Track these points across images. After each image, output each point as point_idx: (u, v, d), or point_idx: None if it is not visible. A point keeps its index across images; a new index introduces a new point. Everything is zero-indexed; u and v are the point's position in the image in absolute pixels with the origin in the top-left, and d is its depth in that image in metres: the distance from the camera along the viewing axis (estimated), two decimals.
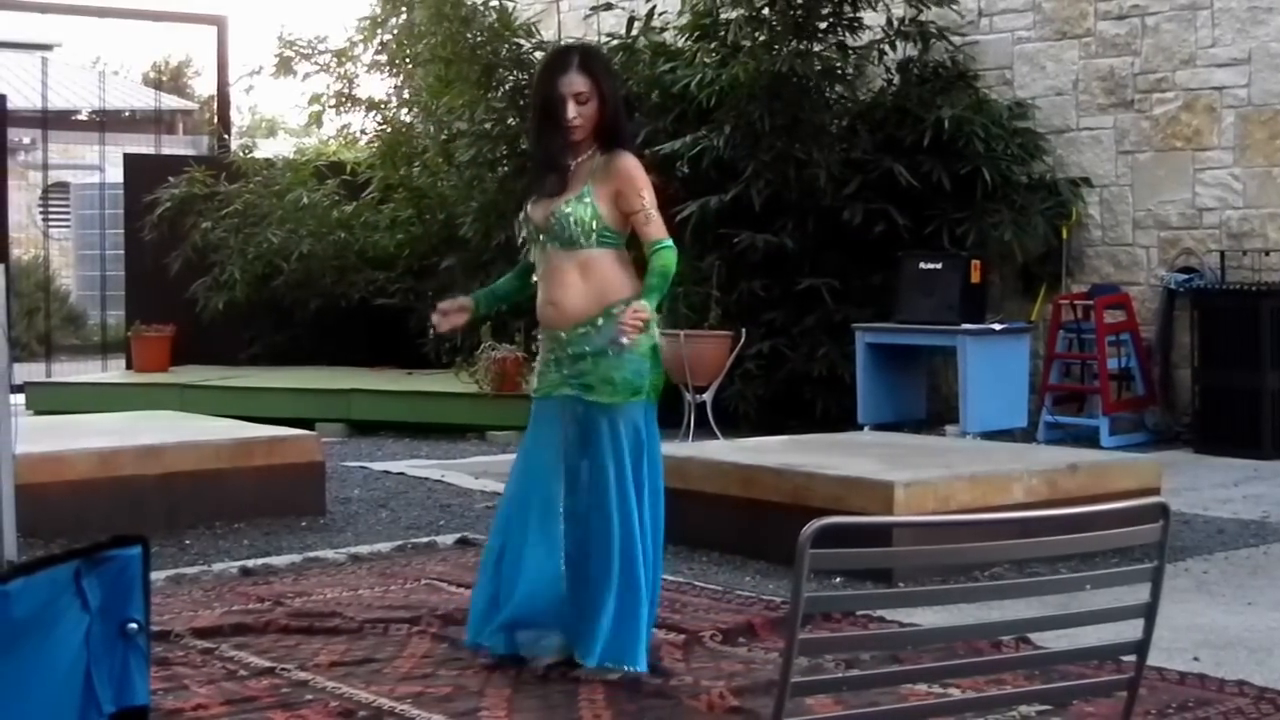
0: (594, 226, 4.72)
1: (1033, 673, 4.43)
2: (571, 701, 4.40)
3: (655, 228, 4.74)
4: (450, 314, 5.04)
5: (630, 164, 4.76)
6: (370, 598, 5.73)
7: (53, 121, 18.95)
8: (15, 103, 17.55)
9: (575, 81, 4.73)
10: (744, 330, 10.38)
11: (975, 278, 10.49)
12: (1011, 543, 4.23)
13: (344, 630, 5.18)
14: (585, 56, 4.84)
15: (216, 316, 13.33)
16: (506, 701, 4.39)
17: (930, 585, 5.54)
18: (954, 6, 11.33)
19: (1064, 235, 10.96)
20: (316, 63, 14.34)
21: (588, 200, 4.72)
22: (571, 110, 4.72)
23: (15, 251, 17.87)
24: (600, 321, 4.71)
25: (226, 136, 15.36)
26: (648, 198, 4.73)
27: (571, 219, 4.71)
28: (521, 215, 4.92)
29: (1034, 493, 6.51)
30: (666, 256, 4.68)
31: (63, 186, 22.46)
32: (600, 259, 4.75)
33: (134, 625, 2.97)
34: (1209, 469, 9.22)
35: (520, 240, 4.99)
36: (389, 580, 6.06)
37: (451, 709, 4.31)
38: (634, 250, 4.85)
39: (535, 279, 4.88)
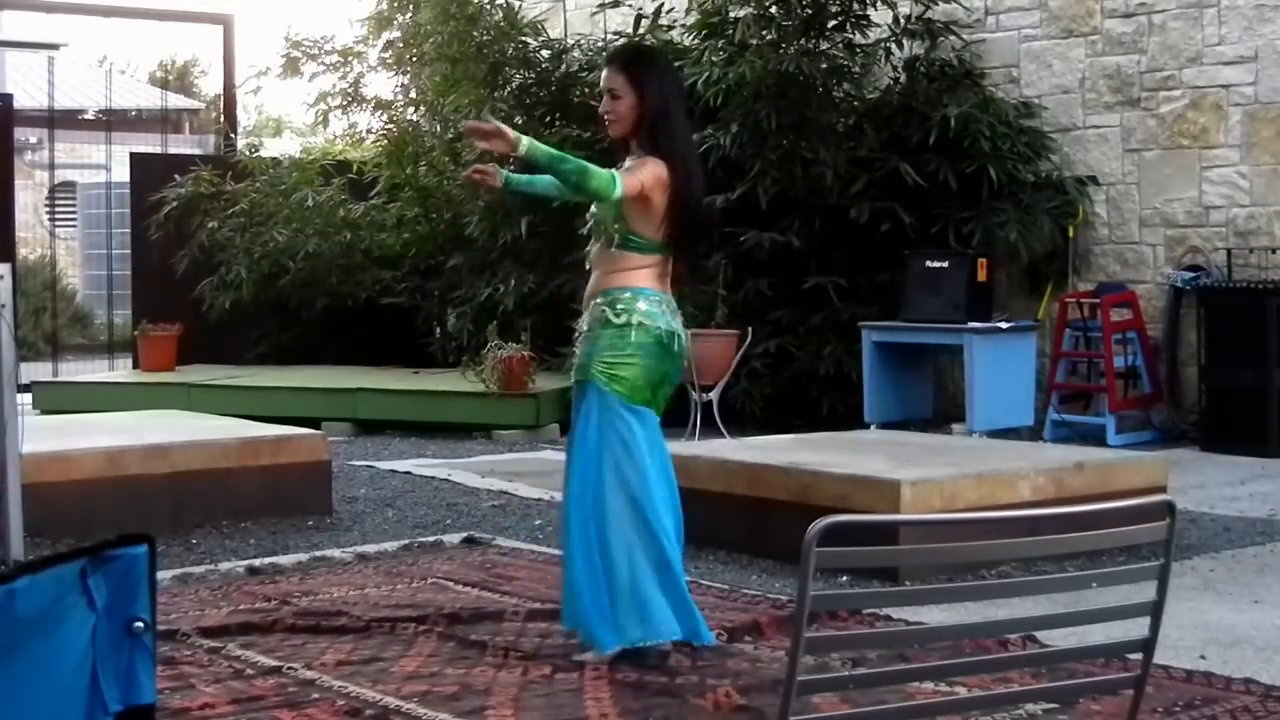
0: (616, 228, 4.81)
1: (1039, 671, 4.42)
2: (577, 700, 4.40)
3: (625, 172, 4.76)
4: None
5: (647, 159, 4.79)
6: (377, 597, 5.73)
7: (59, 121, 18.93)
8: (22, 102, 17.59)
9: (610, 77, 4.90)
10: (750, 329, 10.38)
11: (982, 276, 10.49)
12: (1018, 541, 4.24)
13: (350, 629, 5.18)
14: (630, 54, 5.11)
15: (223, 316, 13.35)
16: (513, 700, 4.39)
17: (937, 584, 5.54)
18: (961, 3, 11.33)
19: (1070, 234, 10.95)
20: (323, 63, 14.34)
21: (613, 202, 4.80)
22: (603, 104, 4.91)
23: (22, 251, 17.90)
24: (589, 305, 4.90)
25: (233, 136, 15.37)
26: (642, 173, 4.74)
27: (594, 219, 4.91)
28: None
29: (1040, 491, 6.50)
30: (589, 169, 4.67)
31: (69, 186, 22.46)
32: (627, 262, 4.83)
33: (140, 624, 2.97)
34: (1215, 467, 9.21)
35: None
36: (395, 579, 6.07)
37: (458, 707, 4.31)
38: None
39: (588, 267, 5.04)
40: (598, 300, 4.85)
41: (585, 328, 4.88)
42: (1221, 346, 9.93)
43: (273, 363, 13.56)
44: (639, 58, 5.10)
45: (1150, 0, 10.74)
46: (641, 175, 4.75)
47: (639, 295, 4.82)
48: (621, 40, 12.33)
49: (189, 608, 5.54)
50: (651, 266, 4.86)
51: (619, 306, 4.80)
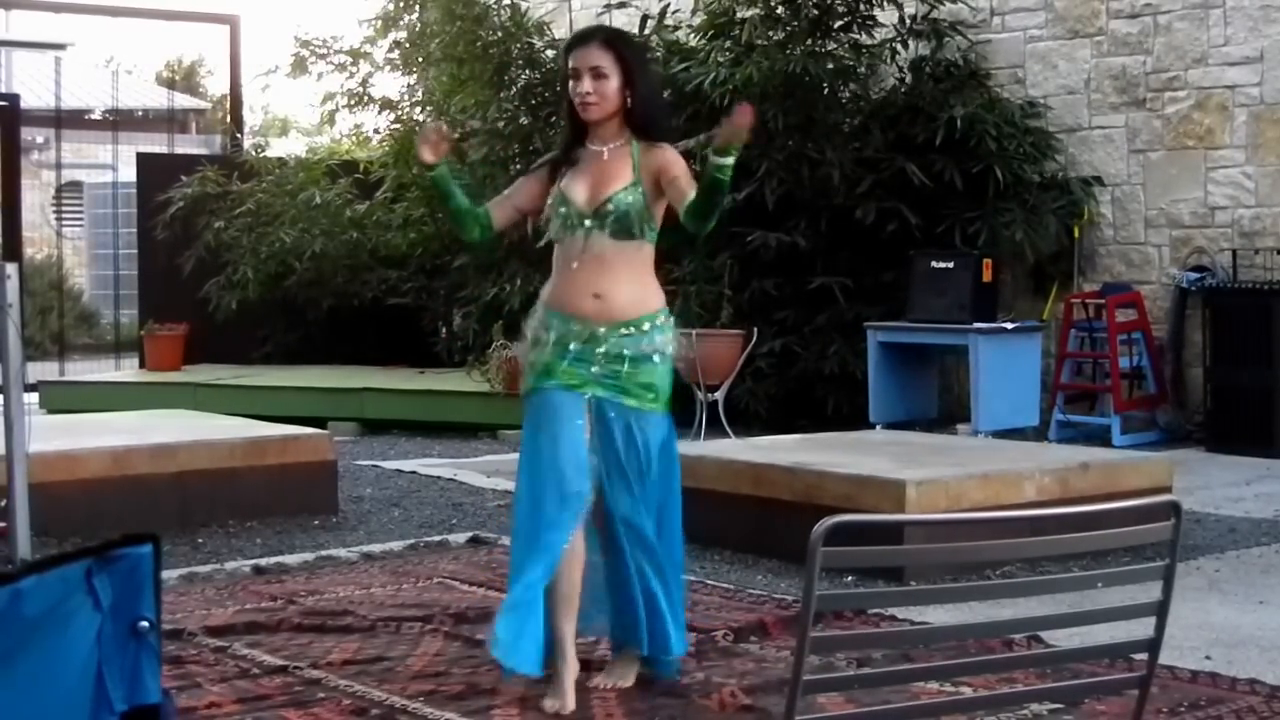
0: (646, 217, 4.57)
1: (1044, 671, 4.43)
2: (584, 699, 4.40)
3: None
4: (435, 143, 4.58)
5: (674, 152, 4.66)
6: (383, 596, 5.74)
7: (66, 121, 18.98)
8: (29, 102, 17.59)
9: (592, 55, 4.53)
10: (756, 329, 10.38)
11: (987, 276, 10.49)
12: (1023, 541, 4.23)
13: (356, 629, 5.19)
14: (611, 34, 4.71)
15: (229, 316, 13.35)
16: (519, 699, 4.39)
17: (942, 584, 5.54)
18: (967, 4, 11.33)
19: (1076, 234, 10.95)
20: (331, 62, 14.35)
21: (642, 191, 4.56)
22: (583, 85, 4.53)
23: (28, 251, 17.90)
24: (646, 326, 4.57)
25: (239, 136, 15.38)
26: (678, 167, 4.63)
27: (633, 210, 4.53)
28: (554, 194, 4.64)
29: (1046, 491, 6.51)
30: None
31: (76, 186, 22.50)
32: (647, 256, 4.62)
33: (145, 624, 2.97)
34: (1220, 467, 9.20)
35: (545, 219, 4.72)
36: (401, 579, 6.07)
37: (464, 707, 4.32)
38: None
39: (574, 265, 4.62)
40: (657, 320, 4.59)
41: (634, 353, 4.54)
42: (1226, 347, 9.92)
43: (279, 362, 13.57)
44: (622, 37, 4.80)
45: (1156, 1, 10.74)
46: (679, 171, 4.61)
47: (670, 316, 4.67)
48: None
49: (195, 607, 5.55)
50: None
51: (669, 334, 4.61)
